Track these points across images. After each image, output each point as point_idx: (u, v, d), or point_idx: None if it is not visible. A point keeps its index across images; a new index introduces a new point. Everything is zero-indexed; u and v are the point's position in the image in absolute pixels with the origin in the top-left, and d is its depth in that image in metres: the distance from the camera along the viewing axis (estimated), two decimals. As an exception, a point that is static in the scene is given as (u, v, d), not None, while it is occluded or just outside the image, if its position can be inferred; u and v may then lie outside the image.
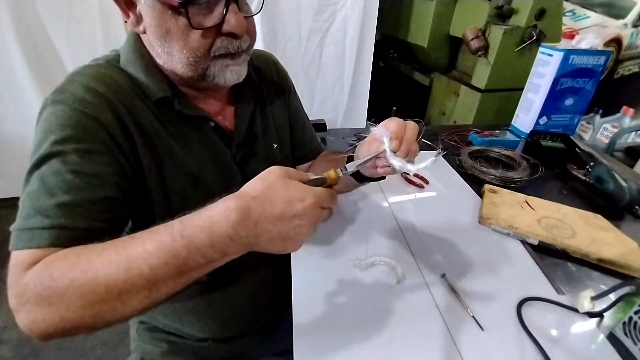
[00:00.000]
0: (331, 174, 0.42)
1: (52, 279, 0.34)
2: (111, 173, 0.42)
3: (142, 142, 0.46)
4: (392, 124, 0.45)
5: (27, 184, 0.40)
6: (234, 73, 0.48)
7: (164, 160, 0.48)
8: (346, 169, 0.44)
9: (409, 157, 0.45)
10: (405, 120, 0.46)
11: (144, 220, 0.48)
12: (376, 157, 0.46)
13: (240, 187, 0.57)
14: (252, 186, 0.37)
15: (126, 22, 0.47)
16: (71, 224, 0.38)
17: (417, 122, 0.47)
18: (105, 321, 0.35)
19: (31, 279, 0.34)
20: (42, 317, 0.34)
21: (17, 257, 0.36)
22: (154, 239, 0.34)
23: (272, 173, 0.38)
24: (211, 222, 0.34)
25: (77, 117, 0.41)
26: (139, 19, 0.45)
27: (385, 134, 0.44)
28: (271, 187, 0.36)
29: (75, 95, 0.42)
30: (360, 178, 0.57)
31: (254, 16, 0.49)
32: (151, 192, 0.48)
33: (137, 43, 0.48)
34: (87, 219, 0.39)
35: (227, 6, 0.43)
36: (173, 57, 0.45)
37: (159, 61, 0.47)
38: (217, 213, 0.34)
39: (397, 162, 0.43)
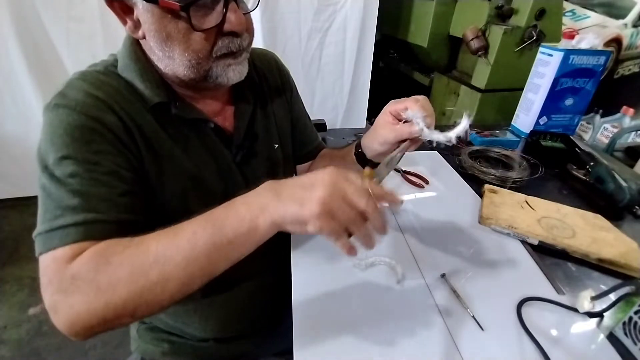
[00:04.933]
0: (366, 171, 0.43)
1: (109, 262, 0.35)
2: (124, 169, 0.43)
3: (144, 144, 0.46)
4: (412, 103, 0.46)
5: (43, 190, 0.40)
6: (236, 72, 0.48)
7: (164, 162, 0.48)
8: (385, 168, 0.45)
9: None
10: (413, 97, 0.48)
11: (147, 217, 0.48)
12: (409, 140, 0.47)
13: (240, 188, 0.57)
14: None
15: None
16: (102, 217, 0.39)
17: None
18: (146, 305, 0.36)
19: (82, 268, 0.35)
20: (87, 307, 0.34)
21: (53, 255, 0.37)
22: (203, 213, 0.38)
23: None
24: (248, 192, 0.38)
25: (82, 119, 0.41)
26: (137, 25, 0.44)
27: (419, 115, 0.45)
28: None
29: (77, 99, 0.42)
30: (365, 162, 0.57)
31: (251, 14, 0.49)
32: (153, 187, 0.48)
33: (132, 47, 0.48)
34: (116, 212, 0.40)
35: (226, 5, 0.43)
36: (174, 61, 0.44)
37: (160, 65, 0.47)
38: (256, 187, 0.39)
39: (438, 136, 0.44)
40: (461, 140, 0.85)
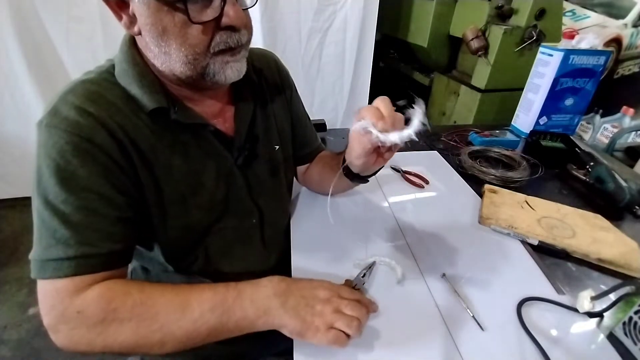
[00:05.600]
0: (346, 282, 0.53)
1: (116, 312, 0.40)
2: (118, 193, 0.43)
3: (139, 159, 0.45)
4: (366, 111, 0.45)
5: (38, 213, 0.41)
6: (234, 70, 0.47)
7: (161, 172, 0.47)
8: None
9: (397, 127, 0.44)
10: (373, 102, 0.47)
11: (143, 231, 0.48)
12: (377, 153, 0.48)
13: (242, 191, 0.57)
14: None
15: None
16: (94, 250, 0.41)
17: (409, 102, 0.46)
18: (140, 353, 0.42)
19: (88, 308, 0.39)
20: (87, 341, 0.39)
21: (54, 285, 0.40)
22: (212, 287, 0.44)
23: None
24: (258, 282, 0.46)
25: (74, 142, 0.41)
26: (132, 20, 0.43)
27: (369, 123, 0.44)
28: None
29: (69, 119, 0.41)
30: (353, 177, 0.57)
31: (251, 14, 0.48)
32: (149, 202, 0.47)
33: (130, 50, 0.47)
34: (107, 242, 0.42)
35: None
36: (171, 57, 0.43)
37: (156, 63, 0.45)
38: (264, 278, 0.46)
39: (393, 138, 0.42)
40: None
